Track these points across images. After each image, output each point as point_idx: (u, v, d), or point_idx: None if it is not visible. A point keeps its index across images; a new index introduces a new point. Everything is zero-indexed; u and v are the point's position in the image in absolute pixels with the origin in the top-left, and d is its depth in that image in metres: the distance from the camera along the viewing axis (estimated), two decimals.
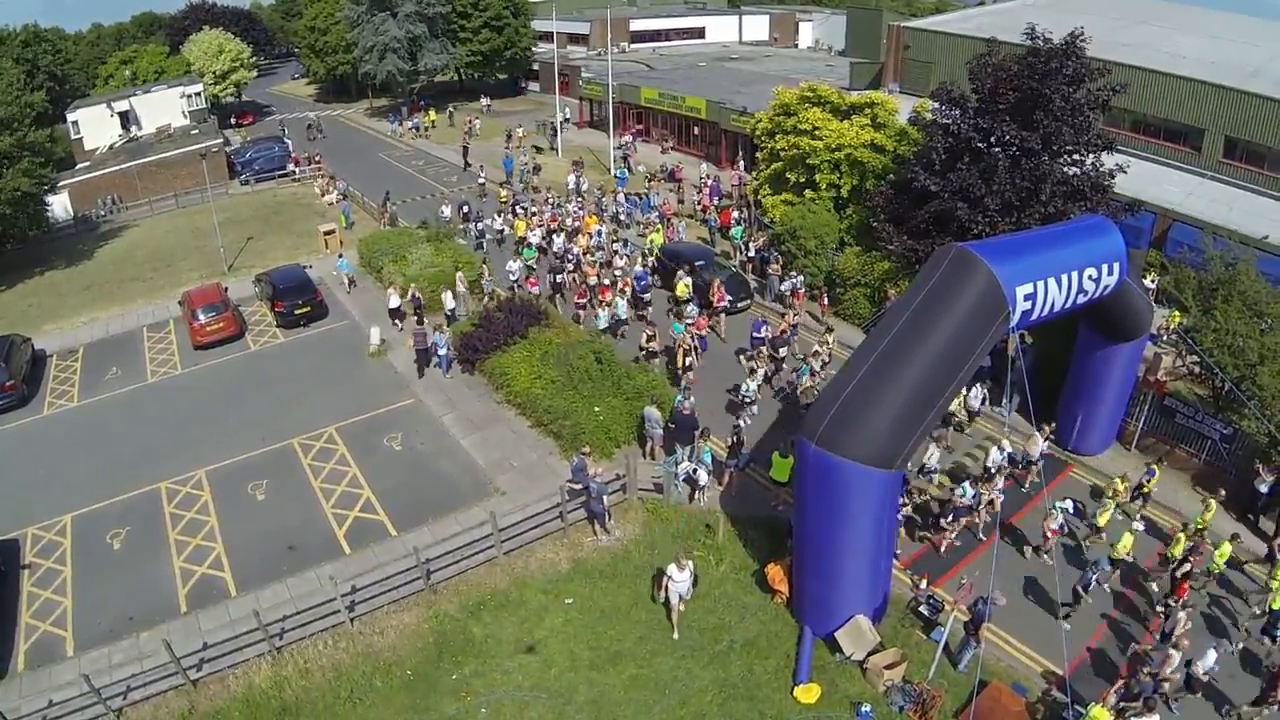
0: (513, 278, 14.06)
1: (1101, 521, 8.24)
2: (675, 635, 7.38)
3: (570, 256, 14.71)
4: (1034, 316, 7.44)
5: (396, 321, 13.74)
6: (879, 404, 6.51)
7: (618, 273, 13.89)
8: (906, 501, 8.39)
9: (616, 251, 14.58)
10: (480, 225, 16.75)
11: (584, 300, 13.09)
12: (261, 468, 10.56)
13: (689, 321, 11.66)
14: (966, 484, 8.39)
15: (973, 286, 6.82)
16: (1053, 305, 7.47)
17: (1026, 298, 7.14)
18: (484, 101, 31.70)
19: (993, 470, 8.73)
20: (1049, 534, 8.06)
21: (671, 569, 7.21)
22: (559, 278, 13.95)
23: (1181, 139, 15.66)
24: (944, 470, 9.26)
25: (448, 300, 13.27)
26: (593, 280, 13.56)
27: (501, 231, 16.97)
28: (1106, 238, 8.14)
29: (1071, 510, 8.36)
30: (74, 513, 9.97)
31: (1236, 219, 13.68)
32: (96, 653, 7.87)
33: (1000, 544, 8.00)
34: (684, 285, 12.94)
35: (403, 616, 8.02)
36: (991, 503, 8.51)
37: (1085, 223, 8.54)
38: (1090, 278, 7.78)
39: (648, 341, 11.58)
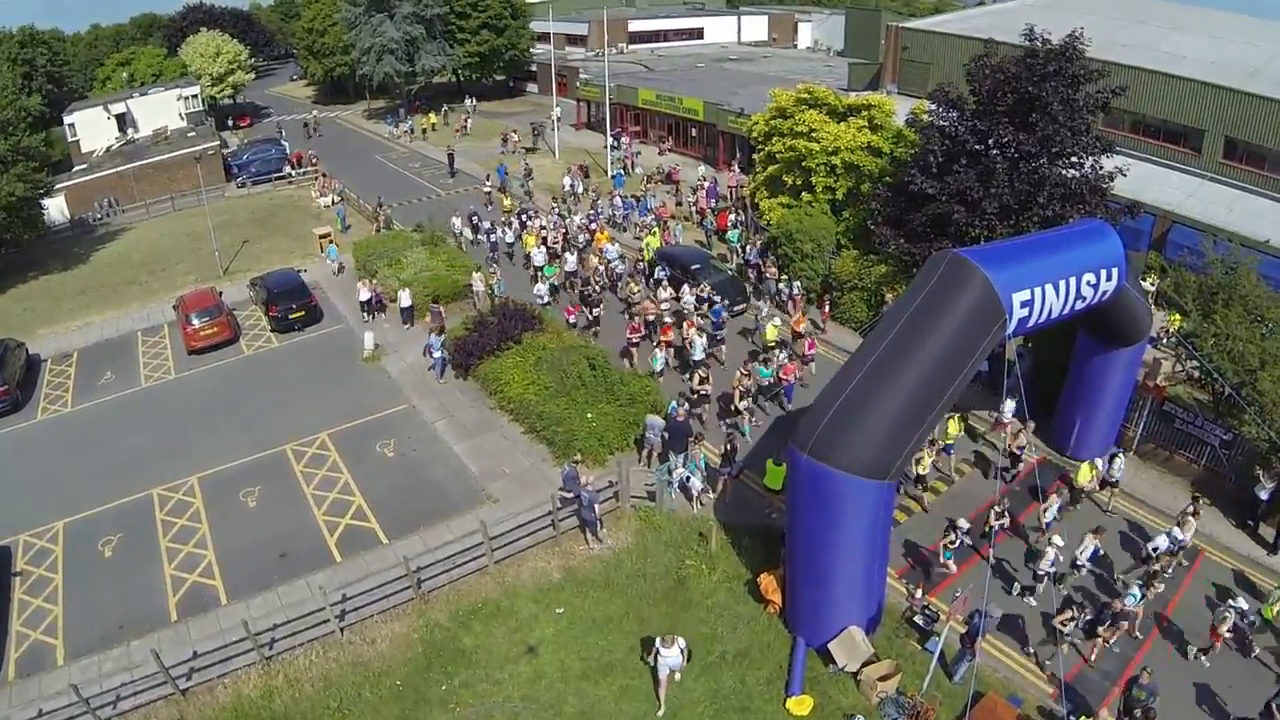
0: (541, 301, 13.31)
1: (1270, 614, 7.27)
2: (660, 711, 6.65)
3: (599, 279, 13.52)
4: (1031, 323, 7.35)
5: (366, 315, 14.36)
6: (872, 414, 6.41)
7: (665, 306, 12.28)
8: (1074, 616, 6.97)
9: (661, 280, 13.11)
10: (493, 238, 16.12)
11: (638, 336, 11.58)
12: (254, 474, 10.50)
13: (777, 367, 10.44)
14: (1136, 588, 7.12)
15: (968, 294, 6.73)
16: (1050, 312, 7.38)
17: (1024, 304, 7.05)
18: (469, 102, 31.34)
19: (1154, 559, 7.58)
20: (1217, 637, 7.01)
21: (659, 644, 6.62)
22: (594, 312, 12.55)
23: (1181, 140, 15.56)
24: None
25: (404, 298, 13.76)
26: (652, 315, 11.97)
27: (512, 244, 16.38)
28: (1105, 242, 8.04)
29: (1247, 614, 7.06)
30: (66, 519, 9.93)
31: (1237, 220, 13.58)
32: (87, 661, 7.82)
33: (996, 557, 7.87)
34: (774, 328, 11.51)
35: (393, 626, 7.96)
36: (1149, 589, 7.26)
37: (1083, 227, 8.44)
38: (1089, 283, 7.68)
39: (699, 384, 10.11)
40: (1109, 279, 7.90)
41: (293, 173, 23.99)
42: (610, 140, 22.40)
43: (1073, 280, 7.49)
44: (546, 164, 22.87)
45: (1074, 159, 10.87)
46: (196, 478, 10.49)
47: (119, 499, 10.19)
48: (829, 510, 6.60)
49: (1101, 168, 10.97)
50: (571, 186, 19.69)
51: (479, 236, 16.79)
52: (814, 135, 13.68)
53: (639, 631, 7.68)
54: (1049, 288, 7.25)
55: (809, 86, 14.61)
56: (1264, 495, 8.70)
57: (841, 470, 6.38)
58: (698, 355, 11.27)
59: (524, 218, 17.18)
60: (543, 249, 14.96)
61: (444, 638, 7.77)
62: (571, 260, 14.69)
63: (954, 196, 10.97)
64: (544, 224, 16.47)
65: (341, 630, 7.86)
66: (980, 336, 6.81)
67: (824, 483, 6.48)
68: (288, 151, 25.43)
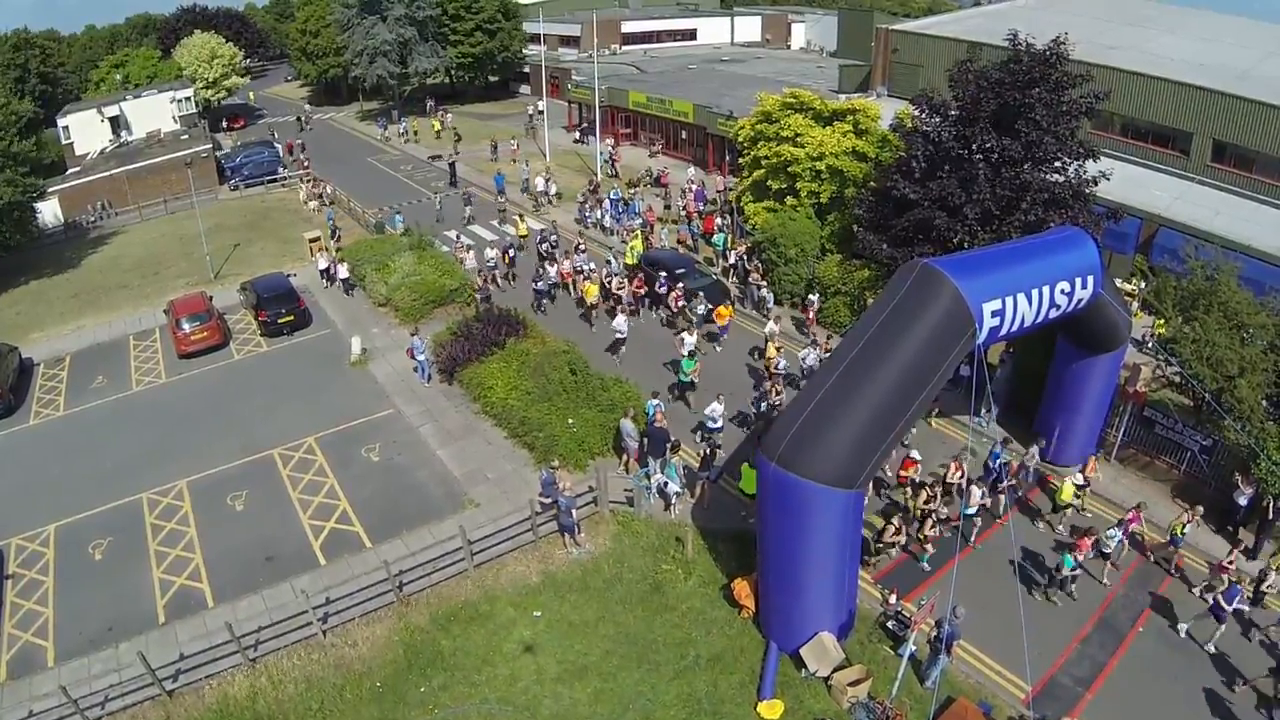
0: (714, 425, 9.56)
1: (1063, 497, 7.84)
2: None
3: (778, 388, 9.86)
4: (1003, 332, 7.41)
5: (325, 283, 15.86)
6: (840, 423, 6.48)
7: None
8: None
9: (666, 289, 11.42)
10: (539, 285, 13.83)
11: (911, 471, 8.51)
12: (241, 478, 10.62)
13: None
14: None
15: (938, 303, 6.79)
16: (1023, 321, 7.43)
17: (994, 314, 7.10)
18: (429, 103, 31.11)
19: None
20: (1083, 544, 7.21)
21: None
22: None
23: (1170, 142, 15.54)
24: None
25: (341, 271, 15.60)
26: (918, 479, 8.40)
27: (554, 284, 14.15)
28: (1080, 250, 8.07)
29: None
30: (57, 523, 10.04)
31: (1223, 224, 13.59)
32: (76, 663, 7.95)
33: (963, 563, 7.81)
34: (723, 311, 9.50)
35: (374, 628, 8.08)
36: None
37: (1059, 235, 8.47)
38: (1063, 292, 7.72)
39: (891, 536, 7.94)
40: (1084, 287, 7.94)
41: (286, 173, 24.02)
42: (576, 136, 22.05)
43: (1046, 289, 7.53)
44: (539, 167, 22.76)
45: (1058, 164, 10.90)
46: (185, 482, 10.60)
47: (110, 503, 10.30)
48: (797, 519, 6.68)
49: (1085, 172, 11.00)
50: (545, 188, 19.34)
51: (513, 270, 14.92)
52: (799, 140, 13.70)
53: (614, 636, 7.78)
54: (1021, 297, 7.30)
55: (795, 91, 14.61)
56: (1243, 501, 8.76)
57: (809, 479, 6.44)
58: (971, 509, 8.28)
59: (544, 248, 15.22)
60: (624, 317, 12.04)
61: (424, 640, 7.88)
62: (690, 340, 10.96)
63: (936, 202, 11.01)
64: (582, 265, 14.36)
65: (324, 633, 7.98)
66: (950, 346, 6.87)
67: (792, 492, 6.56)
68: (280, 154, 25.39)
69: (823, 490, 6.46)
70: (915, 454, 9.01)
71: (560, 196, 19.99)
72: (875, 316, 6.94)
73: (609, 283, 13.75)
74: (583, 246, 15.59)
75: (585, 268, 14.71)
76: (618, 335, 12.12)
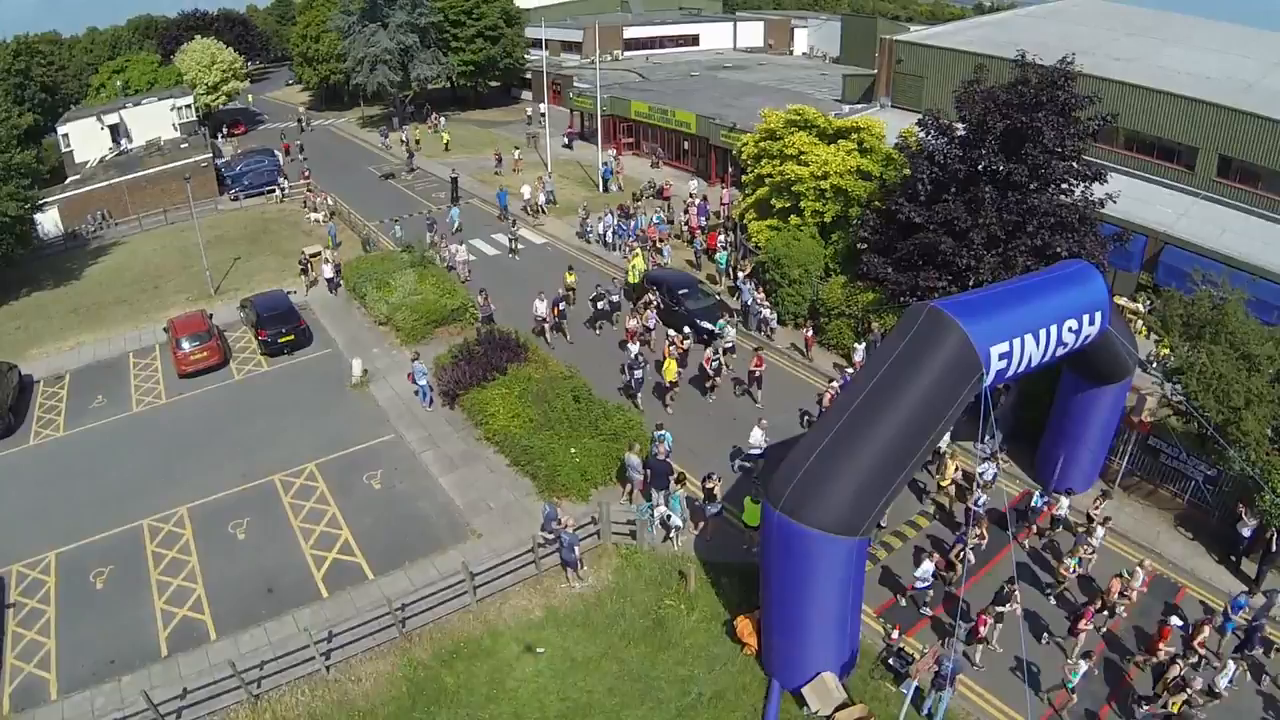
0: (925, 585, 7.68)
1: None
2: None
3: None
4: (1010, 374, 7.35)
5: (331, 291, 16.58)
6: (845, 471, 6.44)
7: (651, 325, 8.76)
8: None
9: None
10: (638, 373, 10.76)
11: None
12: (242, 505, 10.58)
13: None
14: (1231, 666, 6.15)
15: (945, 348, 6.72)
16: (1030, 361, 7.36)
17: (1001, 357, 7.03)
18: (409, 108, 30.68)
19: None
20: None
21: None
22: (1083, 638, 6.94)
23: (1175, 157, 15.41)
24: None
25: (326, 270, 16.42)
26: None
27: (643, 364, 10.99)
28: (1087, 286, 7.98)
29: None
30: (58, 550, 10.01)
31: (1230, 241, 13.49)
32: (79, 697, 7.93)
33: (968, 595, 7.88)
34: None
35: (377, 664, 8.06)
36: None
37: (1065, 270, 8.37)
38: (1070, 329, 7.65)
39: None
40: (1091, 323, 7.87)
41: (286, 184, 23.88)
42: (565, 142, 21.77)
43: (1053, 328, 7.46)
44: (538, 176, 22.67)
45: (1064, 185, 10.79)
46: (186, 508, 10.56)
47: (110, 529, 10.26)
48: (801, 565, 6.66)
49: (1092, 194, 10.91)
50: (533, 197, 19.07)
51: (563, 321, 12.57)
52: (803, 159, 13.59)
53: (617, 673, 7.75)
54: (1028, 338, 7.23)
55: (799, 108, 14.48)
56: (1246, 533, 8.74)
57: (814, 528, 6.41)
58: (1224, 681, 7.07)
59: (601, 305, 13.13)
60: (761, 431, 8.87)
61: (427, 676, 7.86)
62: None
63: (941, 226, 10.93)
64: (660, 329, 11.83)
65: (328, 668, 7.96)
66: (957, 391, 6.81)
67: (796, 539, 6.53)
68: (280, 162, 25.26)
69: (827, 538, 6.43)
70: (1175, 621, 7.49)
71: (552, 206, 19.59)
72: (882, 360, 6.89)
73: (705, 357, 10.96)
74: (654, 301, 12.65)
75: (670, 336, 11.75)
76: (752, 450, 8.83)
